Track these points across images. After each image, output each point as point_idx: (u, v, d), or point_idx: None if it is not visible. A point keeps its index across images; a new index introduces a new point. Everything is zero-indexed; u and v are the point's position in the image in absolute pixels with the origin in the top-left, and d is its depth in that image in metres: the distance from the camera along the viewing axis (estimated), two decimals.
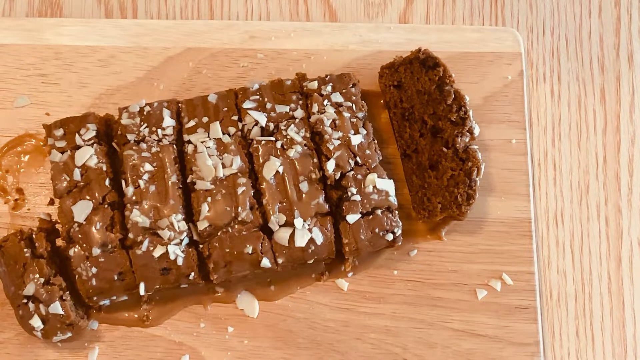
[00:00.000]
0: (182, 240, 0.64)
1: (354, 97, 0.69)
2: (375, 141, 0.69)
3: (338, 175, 0.66)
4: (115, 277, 0.63)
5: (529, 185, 0.72)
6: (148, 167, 0.65)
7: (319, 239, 0.65)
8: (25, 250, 0.64)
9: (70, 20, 0.76)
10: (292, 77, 0.71)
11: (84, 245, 0.63)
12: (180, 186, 0.66)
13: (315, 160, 0.67)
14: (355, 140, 0.67)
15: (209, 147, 0.66)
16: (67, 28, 0.75)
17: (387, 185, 0.66)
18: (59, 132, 0.67)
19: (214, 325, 0.68)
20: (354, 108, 0.69)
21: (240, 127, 0.68)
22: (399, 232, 0.66)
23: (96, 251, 0.63)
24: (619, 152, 0.75)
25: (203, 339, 0.67)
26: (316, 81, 0.70)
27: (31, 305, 0.63)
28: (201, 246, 0.65)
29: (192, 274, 0.64)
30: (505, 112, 0.74)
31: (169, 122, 0.68)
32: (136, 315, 0.68)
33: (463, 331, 0.68)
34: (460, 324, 0.68)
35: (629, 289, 0.71)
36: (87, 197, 0.64)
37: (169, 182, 0.65)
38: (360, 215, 0.65)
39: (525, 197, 0.71)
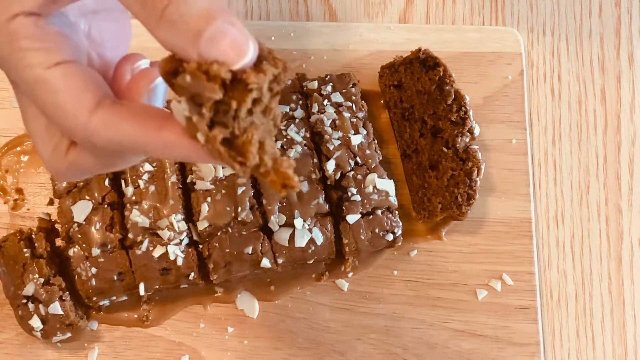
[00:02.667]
0: (182, 241, 0.64)
1: (354, 97, 0.69)
2: (375, 141, 0.69)
3: (338, 175, 0.66)
4: (115, 277, 0.63)
5: (529, 185, 0.72)
6: (148, 167, 0.65)
7: (319, 239, 0.65)
8: (25, 250, 0.64)
9: None
10: (292, 77, 0.71)
11: (84, 245, 0.63)
12: (180, 186, 0.66)
13: (315, 160, 0.67)
14: (355, 140, 0.67)
15: None
16: None
17: (387, 185, 0.66)
18: None
19: (214, 325, 0.68)
20: (354, 108, 0.69)
21: None
22: (399, 232, 0.66)
23: (96, 251, 0.63)
24: (620, 152, 0.74)
25: (203, 339, 0.67)
26: (316, 81, 0.70)
27: (31, 306, 0.63)
28: (201, 246, 0.65)
29: (192, 274, 0.64)
30: (505, 112, 0.74)
31: None
32: (136, 316, 0.68)
33: (463, 331, 0.68)
34: (460, 324, 0.68)
35: (630, 289, 0.71)
36: (87, 197, 0.64)
37: (169, 182, 0.65)
38: (360, 216, 0.65)
39: (525, 197, 0.71)
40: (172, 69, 0.35)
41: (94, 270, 0.63)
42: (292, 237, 0.64)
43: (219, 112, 0.36)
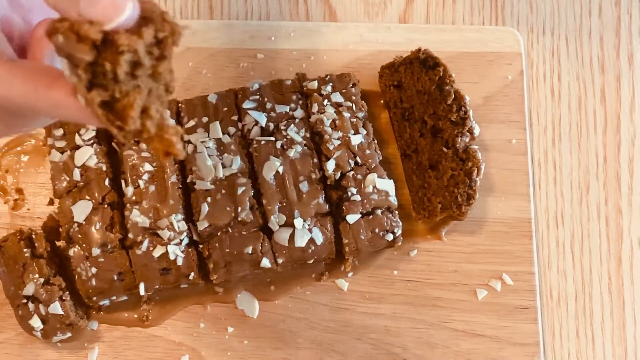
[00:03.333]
0: (182, 241, 0.64)
1: (354, 97, 0.69)
2: (375, 141, 0.69)
3: (338, 175, 0.66)
4: (115, 277, 0.63)
5: (529, 185, 0.72)
6: (148, 167, 0.65)
7: (319, 239, 0.65)
8: (25, 250, 0.64)
9: None
10: (292, 77, 0.71)
11: (84, 245, 0.63)
12: (180, 186, 0.66)
13: (315, 160, 0.67)
14: (355, 140, 0.67)
15: (208, 147, 0.66)
16: None
17: (387, 185, 0.66)
18: (59, 132, 0.67)
19: (214, 325, 0.68)
20: (354, 108, 0.69)
21: (240, 127, 0.68)
22: (399, 232, 0.66)
23: (96, 251, 0.63)
24: (619, 152, 0.74)
25: (203, 339, 0.67)
26: (316, 81, 0.70)
27: (31, 306, 0.63)
28: (201, 246, 0.65)
29: (192, 274, 0.64)
30: (505, 112, 0.74)
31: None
32: (136, 315, 0.68)
33: (463, 331, 0.68)
34: (460, 324, 0.68)
35: (629, 289, 0.71)
36: (87, 197, 0.64)
37: (169, 182, 0.65)
38: (360, 216, 0.65)
39: (525, 197, 0.71)
40: (54, 29, 0.35)
41: (94, 270, 0.63)
42: (292, 237, 0.64)
43: (99, 74, 0.35)
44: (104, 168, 0.66)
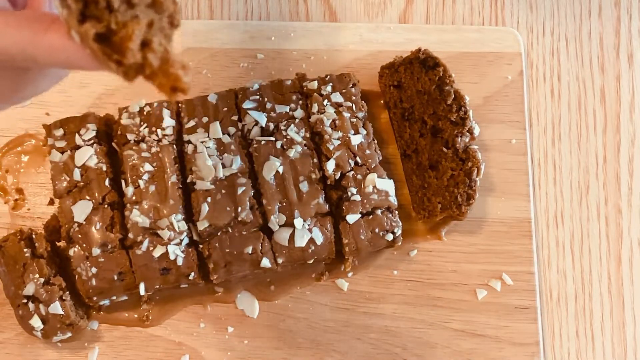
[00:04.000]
0: (182, 240, 0.64)
1: (354, 97, 0.69)
2: (375, 141, 0.69)
3: (338, 175, 0.66)
4: (115, 277, 0.63)
5: (529, 185, 0.72)
6: (148, 167, 0.65)
7: (319, 239, 0.65)
8: (25, 250, 0.64)
9: None
10: (292, 77, 0.71)
11: (84, 245, 0.63)
12: (180, 186, 0.66)
13: (315, 160, 0.67)
14: (355, 140, 0.67)
15: (208, 147, 0.66)
16: None
17: (387, 185, 0.66)
18: (59, 132, 0.67)
19: (214, 325, 0.68)
20: (354, 108, 0.69)
21: (240, 127, 0.68)
22: (399, 232, 0.66)
23: (96, 251, 0.63)
24: (619, 152, 0.75)
25: (203, 339, 0.67)
26: (316, 81, 0.70)
27: (31, 305, 0.63)
28: (201, 246, 0.65)
29: (192, 274, 0.64)
30: (505, 112, 0.74)
31: (168, 122, 0.68)
32: (136, 315, 0.68)
33: (463, 331, 0.68)
34: (460, 324, 0.68)
35: (629, 289, 0.71)
36: (87, 197, 0.65)
37: (169, 182, 0.65)
38: (360, 215, 0.65)
39: (525, 197, 0.71)
40: None
41: (94, 270, 0.63)
42: (292, 237, 0.64)
43: (91, 3, 0.33)
44: (104, 168, 0.66)
